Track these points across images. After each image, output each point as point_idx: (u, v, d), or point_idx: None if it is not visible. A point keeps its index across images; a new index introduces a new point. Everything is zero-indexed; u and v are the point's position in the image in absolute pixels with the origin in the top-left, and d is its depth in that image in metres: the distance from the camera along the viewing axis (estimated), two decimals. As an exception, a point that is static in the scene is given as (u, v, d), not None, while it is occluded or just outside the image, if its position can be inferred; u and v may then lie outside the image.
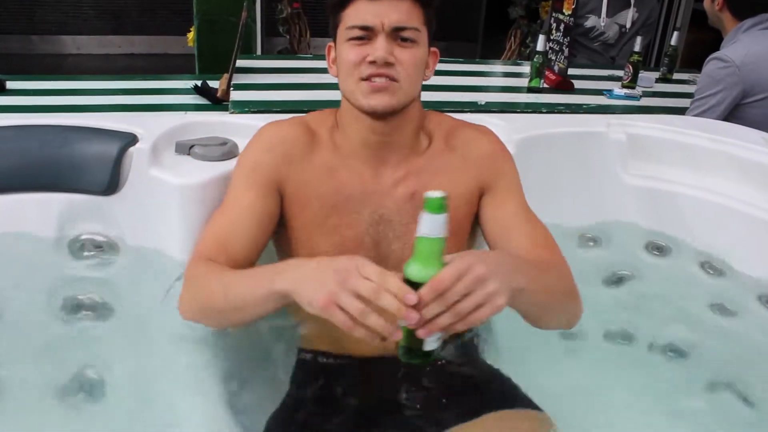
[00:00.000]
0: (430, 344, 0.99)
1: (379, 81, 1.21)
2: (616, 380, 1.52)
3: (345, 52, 1.23)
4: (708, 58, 2.45)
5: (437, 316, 0.95)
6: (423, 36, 1.24)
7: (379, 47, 1.19)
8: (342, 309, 0.96)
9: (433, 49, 1.30)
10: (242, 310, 1.17)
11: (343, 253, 1.26)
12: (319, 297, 0.98)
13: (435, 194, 0.92)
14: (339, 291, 0.96)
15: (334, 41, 1.28)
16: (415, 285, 0.94)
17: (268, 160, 1.31)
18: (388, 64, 1.20)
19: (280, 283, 1.07)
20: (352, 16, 1.21)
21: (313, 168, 1.31)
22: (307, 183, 1.31)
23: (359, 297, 0.95)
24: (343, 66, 1.24)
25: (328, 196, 1.30)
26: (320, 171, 1.31)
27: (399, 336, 0.97)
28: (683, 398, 1.49)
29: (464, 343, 1.40)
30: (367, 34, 1.21)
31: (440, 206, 0.92)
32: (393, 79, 1.21)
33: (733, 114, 2.41)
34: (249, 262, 1.28)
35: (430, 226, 0.93)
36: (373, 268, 0.97)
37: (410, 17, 1.21)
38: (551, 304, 1.22)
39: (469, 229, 1.39)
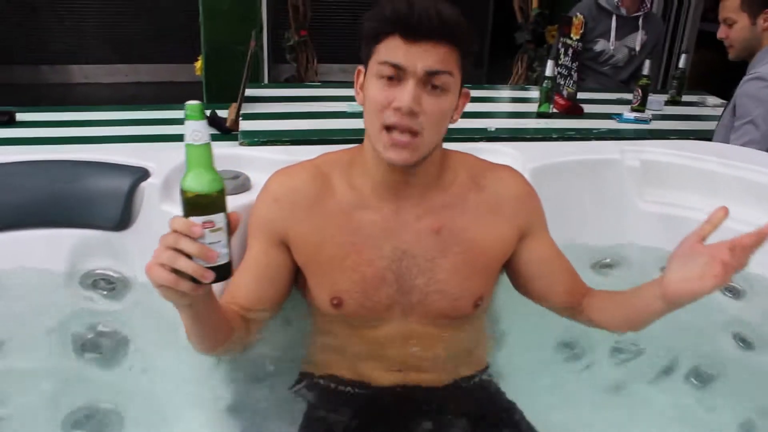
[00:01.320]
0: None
1: (400, 137, 1.17)
2: (635, 410, 1.49)
3: (373, 89, 1.19)
4: (746, 78, 2.38)
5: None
6: (455, 82, 1.19)
7: (407, 95, 1.14)
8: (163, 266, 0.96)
9: (465, 90, 1.26)
10: (198, 344, 1.18)
11: (365, 291, 1.26)
12: (145, 270, 0.98)
13: (193, 102, 0.93)
14: (156, 253, 0.96)
15: (365, 68, 1.23)
16: (196, 195, 0.95)
17: (274, 212, 1.32)
18: (412, 114, 1.15)
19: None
20: (385, 52, 1.16)
21: (325, 213, 1.30)
22: (319, 228, 1.29)
23: (168, 249, 0.95)
24: (369, 104, 1.20)
25: (345, 237, 1.29)
26: (335, 215, 1.30)
27: (212, 276, 0.97)
28: (708, 425, 1.47)
29: (482, 379, 1.40)
30: (397, 74, 1.16)
31: (201, 112, 0.93)
32: (414, 133, 1.17)
33: None
34: (260, 310, 1.30)
35: (196, 132, 0.94)
36: (173, 218, 0.97)
37: (446, 62, 1.16)
38: None
39: (500, 269, 1.38)
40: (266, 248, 1.31)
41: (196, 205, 0.95)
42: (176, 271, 0.95)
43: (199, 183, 0.95)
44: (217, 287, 1.48)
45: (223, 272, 0.99)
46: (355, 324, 1.31)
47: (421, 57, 1.14)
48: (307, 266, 1.32)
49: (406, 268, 1.29)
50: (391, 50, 1.15)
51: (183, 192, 0.96)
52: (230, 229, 0.99)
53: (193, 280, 0.96)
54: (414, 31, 1.14)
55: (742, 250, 1.10)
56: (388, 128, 1.17)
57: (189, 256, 0.95)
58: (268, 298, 1.31)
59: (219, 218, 0.96)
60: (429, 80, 1.16)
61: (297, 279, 1.37)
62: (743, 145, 2.31)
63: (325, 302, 1.30)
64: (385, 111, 1.17)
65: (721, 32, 2.54)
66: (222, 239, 0.97)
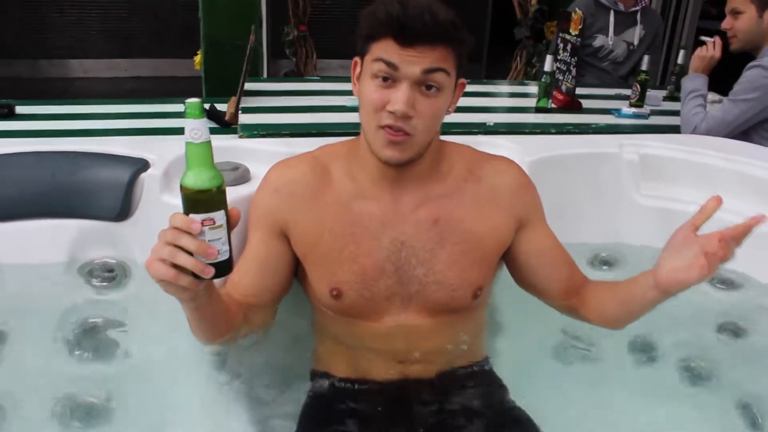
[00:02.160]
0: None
1: (394, 136, 1.18)
2: (633, 403, 1.50)
3: (367, 89, 1.19)
4: (750, 65, 2.42)
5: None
6: (450, 80, 1.20)
7: (401, 98, 1.15)
8: (163, 262, 0.97)
9: (461, 81, 1.26)
10: (192, 328, 1.18)
11: (365, 281, 1.27)
12: (145, 264, 0.99)
13: (193, 100, 0.93)
14: (155, 247, 0.97)
15: (361, 61, 1.23)
16: (196, 192, 0.95)
17: (274, 203, 1.32)
18: (406, 117, 1.16)
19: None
20: (380, 53, 1.16)
21: (324, 204, 1.31)
22: (317, 219, 1.30)
23: (168, 245, 0.96)
24: (363, 102, 1.21)
25: (343, 228, 1.29)
26: (333, 206, 1.30)
27: (212, 272, 0.97)
28: (698, 413, 1.48)
29: (482, 370, 1.40)
30: (391, 75, 1.16)
31: (200, 111, 0.93)
32: (408, 133, 1.18)
33: (764, 128, 2.40)
34: (262, 302, 1.31)
35: (195, 131, 0.94)
36: (173, 215, 0.97)
37: (441, 62, 1.16)
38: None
39: (498, 260, 1.39)
40: (266, 239, 1.32)
41: (196, 202, 0.96)
42: (176, 266, 0.96)
43: (199, 180, 0.95)
44: (218, 279, 1.51)
45: (224, 268, 1.00)
46: (354, 315, 1.32)
47: (415, 60, 1.14)
48: (306, 257, 1.32)
49: (405, 259, 1.29)
50: (386, 52, 1.15)
51: (183, 189, 0.96)
52: (230, 225, 1.00)
53: (194, 275, 0.97)
54: (408, 36, 1.13)
55: (729, 240, 1.11)
56: (384, 127, 1.18)
57: (189, 253, 0.96)
58: (268, 289, 1.32)
59: (219, 216, 0.97)
60: (424, 80, 1.16)
61: (297, 271, 1.37)
62: (714, 115, 2.41)
63: (324, 294, 1.31)
64: (380, 112, 1.17)
65: (726, 23, 2.56)
66: (222, 236, 0.98)
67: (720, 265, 1.12)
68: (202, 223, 0.96)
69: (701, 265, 1.10)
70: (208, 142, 0.95)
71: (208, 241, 0.97)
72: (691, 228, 1.15)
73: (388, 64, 1.15)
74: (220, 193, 0.97)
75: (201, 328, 1.17)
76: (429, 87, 1.17)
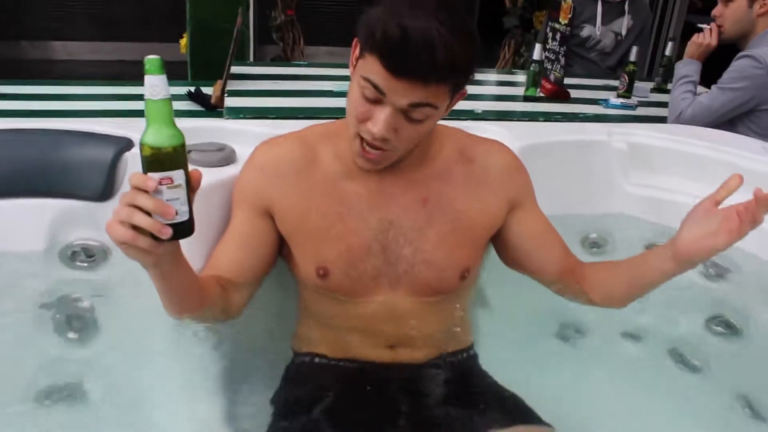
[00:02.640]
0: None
1: (370, 151, 1.16)
2: (620, 387, 1.52)
3: (354, 95, 1.14)
4: (740, 54, 2.42)
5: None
6: (440, 111, 1.14)
7: (381, 121, 1.10)
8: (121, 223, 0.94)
9: (462, 91, 1.18)
10: (170, 307, 1.16)
11: (351, 261, 1.25)
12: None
13: (152, 56, 0.91)
14: (116, 210, 0.95)
15: (360, 52, 1.13)
16: (154, 150, 0.93)
17: (259, 181, 1.30)
18: (384, 140, 1.13)
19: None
20: (369, 70, 1.09)
21: (311, 182, 1.29)
22: (304, 197, 1.28)
23: (127, 205, 0.94)
24: (349, 103, 1.17)
25: (330, 207, 1.28)
26: (320, 184, 1.29)
27: (169, 232, 0.95)
28: (686, 403, 1.49)
29: (468, 357, 1.40)
30: (377, 98, 1.10)
31: (161, 66, 0.91)
32: (385, 150, 1.16)
33: (749, 119, 2.42)
34: (234, 275, 1.28)
35: (154, 87, 0.91)
36: (132, 174, 0.95)
37: (430, 98, 1.09)
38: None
39: (487, 242, 1.38)
40: (250, 217, 1.30)
41: (155, 161, 0.93)
42: (136, 229, 0.94)
43: (157, 138, 0.92)
44: (198, 259, 1.48)
45: (183, 230, 0.97)
46: (341, 297, 1.30)
47: (403, 92, 1.08)
48: (292, 236, 1.31)
49: (393, 238, 1.28)
50: (375, 72, 1.08)
51: (141, 147, 0.93)
52: (191, 186, 0.98)
53: (153, 237, 0.95)
54: (402, 68, 1.06)
55: (759, 204, 1.10)
56: (361, 140, 1.16)
57: (148, 214, 0.93)
58: (251, 268, 1.30)
59: (178, 175, 0.95)
60: (410, 111, 1.11)
61: (282, 251, 1.35)
62: (701, 102, 2.42)
63: (311, 273, 1.29)
64: (361, 124, 1.14)
65: (717, 9, 2.57)
66: (180, 196, 0.96)
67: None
68: (159, 182, 0.93)
69: (730, 230, 1.11)
70: (168, 99, 0.92)
71: (166, 200, 0.94)
72: (712, 202, 1.16)
73: (375, 87, 1.09)
74: (180, 150, 0.94)
75: (169, 299, 1.14)
76: (413, 119, 1.12)
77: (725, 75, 2.44)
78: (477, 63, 1.13)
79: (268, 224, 1.31)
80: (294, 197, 1.28)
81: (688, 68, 2.62)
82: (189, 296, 1.16)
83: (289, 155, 1.30)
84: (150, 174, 0.93)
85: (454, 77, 1.10)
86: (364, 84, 1.10)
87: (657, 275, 1.25)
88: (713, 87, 2.47)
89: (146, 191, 0.93)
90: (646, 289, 1.30)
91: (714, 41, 2.63)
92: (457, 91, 1.15)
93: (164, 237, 0.95)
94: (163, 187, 0.94)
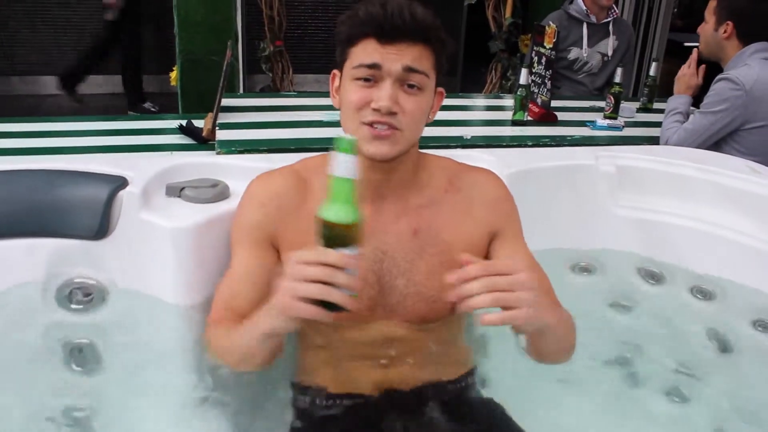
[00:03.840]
0: None
1: (381, 128, 1.19)
2: (613, 413, 1.52)
3: (349, 92, 1.21)
4: (718, 77, 2.46)
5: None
6: (431, 82, 1.23)
7: (384, 94, 1.17)
8: (304, 300, 0.98)
9: (439, 89, 1.29)
10: (254, 357, 1.18)
11: None
12: (278, 304, 1.02)
13: (347, 136, 0.95)
14: (293, 286, 0.99)
15: (340, 72, 1.26)
16: (332, 226, 0.97)
17: (261, 217, 1.31)
18: (391, 113, 1.18)
19: (263, 325, 1.10)
20: (360, 55, 1.19)
21: (308, 216, 1.28)
22: (303, 232, 1.28)
23: (313, 281, 0.98)
24: (345, 105, 1.23)
25: None
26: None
27: (356, 305, 1.00)
28: (685, 424, 1.50)
29: (467, 384, 1.40)
30: (373, 75, 1.19)
31: (352, 147, 0.95)
32: (395, 128, 1.20)
33: (734, 139, 2.45)
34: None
35: (343, 166, 0.96)
36: (308, 253, 1.00)
37: (421, 62, 1.19)
38: (563, 343, 1.27)
39: None
40: (257, 253, 1.31)
41: (339, 235, 0.98)
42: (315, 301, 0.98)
43: (344, 215, 0.97)
44: (193, 295, 1.49)
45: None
46: (337, 326, 1.31)
47: (396, 56, 1.18)
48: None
49: (387, 270, 1.29)
50: (367, 52, 1.19)
51: (324, 222, 0.98)
52: None
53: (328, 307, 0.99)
54: (388, 32, 1.17)
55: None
56: (368, 124, 1.19)
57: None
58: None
59: (356, 249, 1.00)
60: (405, 78, 1.19)
61: None
62: (686, 127, 2.48)
63: None
64: (362, 110, 1.19)
65: (699, 27, 2.61)
66: (355, 268, 0.99)
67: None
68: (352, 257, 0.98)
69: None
70: (354, 180, 0.97)
71: (349, 273, 0.99)
72: None
73: (370, 66, 1.18)
74: (360, 227, 1.00)
75: (267, 355, 1.18)
76: (411, 86, 1.20)
77: (706, 99, 2.49)
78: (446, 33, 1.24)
79: (275, 257, 1.31)
80: (294, 233, 1.30)
81: (676, 101, 2.67)
82: (278, 350, 1.20)
83: (286, 190, 1.32)
84: (342, 250, 0.98)
85: (434, 34, 1.21)
86: (357, 73, 1.20)
87: None
88: (696, 112, 2.52)
89: (344, 269, 0.97)
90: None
91: (699, 79, 2.69)
92: (439, 67, 1.24)
93: (351, 309, 0.99)
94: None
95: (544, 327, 1.10)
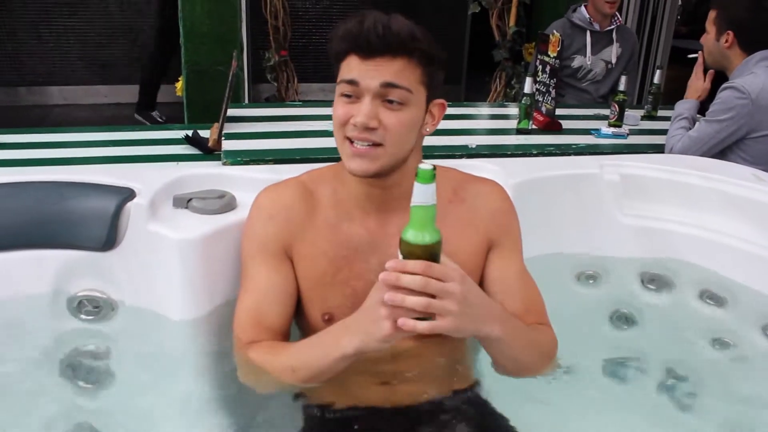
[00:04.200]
0: None
1: (360, 145, 1.20)
2: (621, 420, 1.50)
3: (336, 107, 1.23)
4: (724, 86, 2.47)
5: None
6: (416, 96, 1.21)
7: (363, 110, 1.18)
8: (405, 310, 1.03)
9: (440, 101, 1.28)
10: (315, 379, 1.21)
11: (356, 305, 1.25)
12: (383, 327, 1.06)
13: (426, 167, 1.01)
14: (400, 298, 1.03)
15: (334, 71, 1.27)
16: (413, 247, 1.04)
17: (273, 230, 1.32)
18: (370, 129, 1.19)
19: (348, 347, 1.13)
20: (344, 71, 1.21)
21: (316, 227, 1.32)
22: (312, 242, 1.31)
23: (413, 292, 1.02)
24: (333, 120, 1.24)
25: (337, 251, 1.30)
26: (324, 229, 1.31)
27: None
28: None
29: (472, 395, 1.39)
30: (353, 91, 1.20)
31: (431, 177, 1.01)
32: (376, 144, 1.20)
33: (739, 147, 2.45)
34: (286, 329, 1.31)
35: (423, 195, 1.02)
36: (413, 263, 1.03)
37: (402, 77, 1.18)
38: (524, 361, 1.28)
39: (478, 282, 1.39)
40: (275, 266, 1.31)
41: (428, 257, 1.05)
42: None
43: (422, 238, 1.04)
44: (201, 306, 1.50)
45: None
46: None
47: (375, 72, 1.17)
48: (303, 279, 1.32)
49: None
50: (349, 68, 1.20)
51: (410, 245, 1.04)
52: None
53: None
54: (365, 48, 1.17)
55: None
56: (350, 139, 1.21)
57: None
58: (292, 316, 1.33)
59: None
60: (385, 94, 1.19)
61: None
62: (690, 135, 2.48)
63: (316, 318, 1.31)
64: (345, 125, 1.21)
65: (702, 36, 2.62)
66: None
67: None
68: None
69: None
70: (434, 206, 1.04)
71: None
72: None
73: (350, 82, 1.19)
74: (440, 247, 1.06)
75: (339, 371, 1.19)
76: (391, 101, 1.19)
77: (711, 107, 2.49)
78: (436, 46, 1.22)
79: (290, 268, 1.32)
80: (305, 243, 1.31)
81: (683, 107, 2.68)
82: None
83: (294, 202, 1.33)
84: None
85: (414, 46, 1.18)
86: (341, 88, 1.21)
87: None
88: (701, 120, 2.53)
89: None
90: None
91: (707, 83, 2.70)
92: (430, 79, 1.22)
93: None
94: None
95: (482, 337, 1.14)
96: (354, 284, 1.29)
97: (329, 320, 1.29)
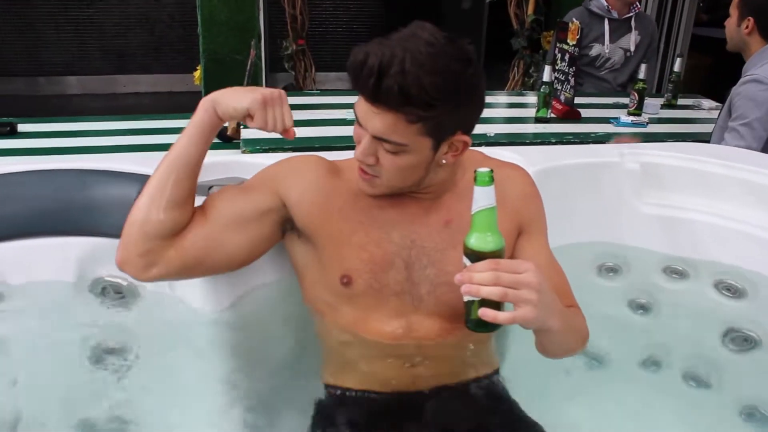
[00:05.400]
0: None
1: (362, 172, 1.23)
2: (641, 408, 1.51)
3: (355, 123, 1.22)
4: (743, 80, 2.44)
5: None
6: (414, 146, 1.17)
7: (362, 146, 1.18)
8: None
9: (463, 138, 1.23)
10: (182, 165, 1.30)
11: (374, 271, 1.28)
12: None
13: (484, 170, 1.02)
14: (472, 292, 1.03)
15: None
16: (477, 254, 1.04)
17: (284, 172, 1.35)
18: (366, 164, 1.21)
19: (201, 105, 1.27)
20: (357, 100, 1.17)
21: (334, 188, 1.32)
22: (327, 199, 1.31)
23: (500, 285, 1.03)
24: None
25: (353, 213, 1.31)
26: (344, 192, 1.32)
27: None
28: (707, 425, 1.48)
29: (492, 382, 1.40)
30: (360, 123, 1.19)
31: (491, 179, 1.02)
32: (373, 175, 1.22)
33: None
34: (222, 229, 1.31)
35: (485, 198, 1.03)
36: (458, 275, 1.05)
37: (393, 132, 1.14)
38: (567, 345, 1.29)
39: None
40: (261, 191, 1.33)
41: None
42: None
43: (486, 243, 1.04)
44: (222, 292, 1.51)
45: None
46: (364, 308, 1.31)
47: (373, 116, 1.14)
48: (314, 236, 1.32)
49: (416, 258, 1.30)
50: (358, 102, 1.17)
51: (474, 251, 1.04)
52: None
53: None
54: (365, 91, 1.13)
55: None
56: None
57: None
58: (229, 242, 1.31)
59: None
60: (381, 140, 1.16)
61: (300, 278, 1.39)
62: (738, 146, 2.36)
63: (334, 281, 1.30)
64: (357, 146, 1.21)
65: (726, 20, 2.60)
66: None
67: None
68: None
69: None
70: (495, 208, 1.04)
71: None
72: None
73: (356, 114, 1.18)
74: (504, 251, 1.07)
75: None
76: (387, 149, 1.17)
77: (740, 108, 2.42)
78: (450, 100, 1.13)
79: (274, 205, 1.32)
80: (318, 197, 1.31)
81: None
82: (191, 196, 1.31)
83: (316, 165, 1.35)
84: None
85: (407, 107, 1.10)
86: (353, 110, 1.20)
87: None
88: (738, 127, 2.42)
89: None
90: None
91: None
92: (437, 128, 1.16)
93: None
94: None
95: (546, 329, 1.12)
96: (372, 250, 1.29)
97: (347, 283, 1.29)
